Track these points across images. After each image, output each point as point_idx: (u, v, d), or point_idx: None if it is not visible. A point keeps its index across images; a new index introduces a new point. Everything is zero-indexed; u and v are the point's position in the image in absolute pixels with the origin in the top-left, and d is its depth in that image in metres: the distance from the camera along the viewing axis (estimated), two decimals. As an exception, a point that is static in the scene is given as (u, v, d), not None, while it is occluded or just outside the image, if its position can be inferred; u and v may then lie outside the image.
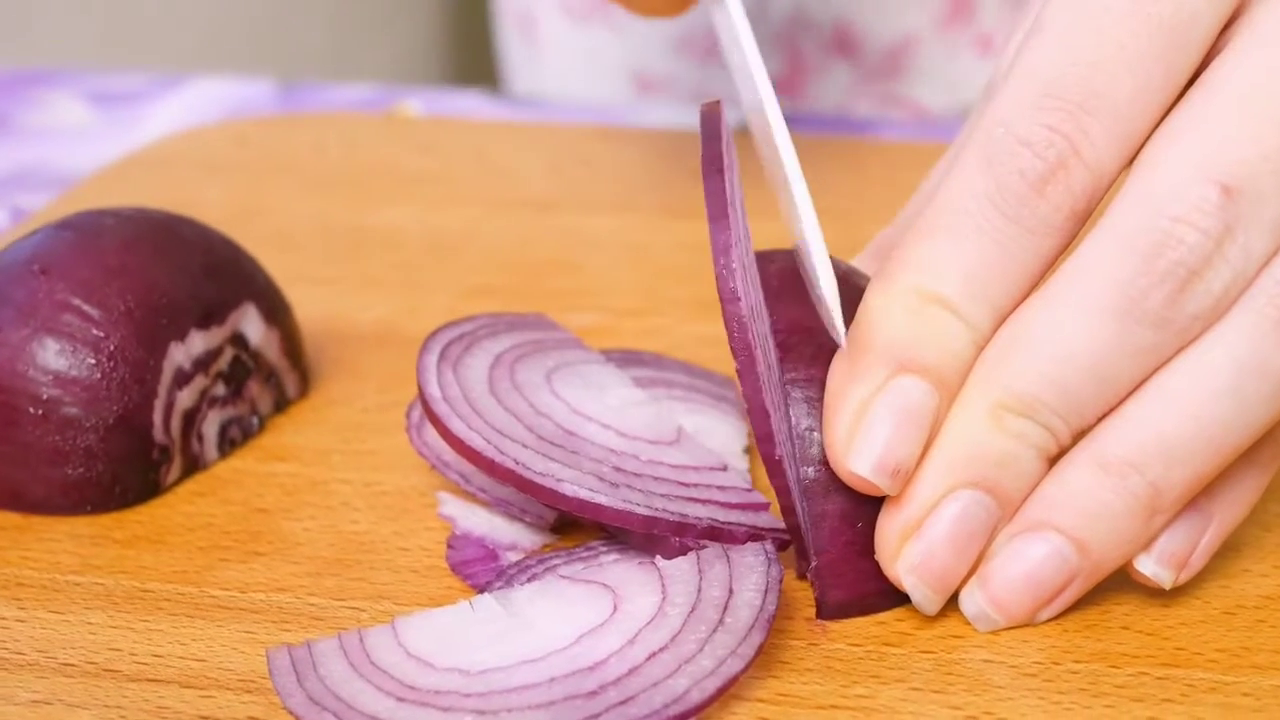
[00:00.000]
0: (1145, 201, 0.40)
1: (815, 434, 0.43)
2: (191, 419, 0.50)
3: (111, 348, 0.48)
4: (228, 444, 0.51)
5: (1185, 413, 0.40)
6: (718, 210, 0.42)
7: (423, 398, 0.46)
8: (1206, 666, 0.42)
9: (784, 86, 0.91)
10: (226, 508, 0.49)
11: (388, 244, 0.67)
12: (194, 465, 0.50)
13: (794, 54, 0.90)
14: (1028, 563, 0.42)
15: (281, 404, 0.54)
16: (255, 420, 0.52)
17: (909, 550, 0.41)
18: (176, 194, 0.70)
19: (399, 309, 0.61)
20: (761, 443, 0.42)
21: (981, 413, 0.41)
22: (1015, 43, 0.47)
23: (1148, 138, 0.41)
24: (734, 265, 0.41)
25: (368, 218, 0.69)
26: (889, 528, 0.42)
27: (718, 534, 0.44)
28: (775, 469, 0.42)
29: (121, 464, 0.48)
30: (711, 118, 0.44)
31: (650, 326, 0.59)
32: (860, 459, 0.41)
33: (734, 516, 0.45)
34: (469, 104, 0.87)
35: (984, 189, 0.40)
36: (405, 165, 0.74)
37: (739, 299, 0.41)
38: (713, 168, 0.42)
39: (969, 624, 0.43)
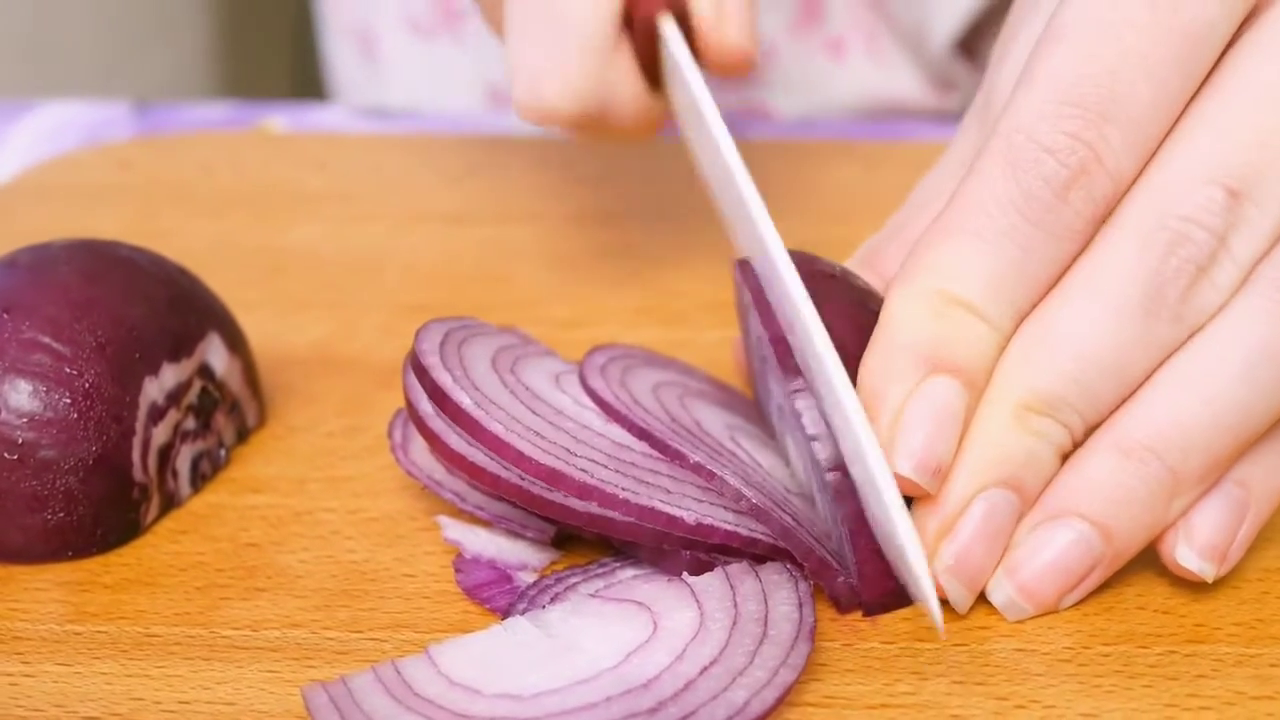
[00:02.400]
0: (1158, 202, 0.41)
1: (817, 443, 0.44)
2: (166, 455, 0.48)
3: (86, 385, 0.46)
4: (199, 479, 0.50)
5: (1200, 398, 0.42)
6: None
7: (423, 415, 0.45)
8: (1229, 641, 0.43)
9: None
10: (214, 545, 0.47)
11: (304, 265, 0.65)
12: (170, 503, 0.49)
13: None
14: (1054, 551, 0.42)
15: (243, 434, 0.52)
16: (223, 453, 0.51)
17: (944, 550, 0.42)
18: (68, 223, 0.68)
19: (334, 331, 0.60)
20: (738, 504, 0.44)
21: (1007, 413, 0.42)
22: (1011, 49, 0.48)
23: (1163, 140, 0.42)
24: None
25: (276, 238, 0.68)
26: (925, 528, 0.42)
27: (728, 549, 0.44)
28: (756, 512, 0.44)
29: (102, 506, 0.46)
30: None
31: (593, 336, 0.59)
32: (902, 459, 0.41)
33: (746, 521, 0.45)
34: (332, 118, 0.86)
35: (1008, 195, 0.41)
36: (301, 183, 0.73)
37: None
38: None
39: (992, 614, 0.43)
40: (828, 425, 0.43)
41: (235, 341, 0.51)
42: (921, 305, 0.42)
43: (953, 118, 0.91)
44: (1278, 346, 0.41)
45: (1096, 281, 0.42)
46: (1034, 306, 0.42)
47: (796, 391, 0.44)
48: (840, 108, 0.91)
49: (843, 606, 0.44)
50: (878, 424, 0.42)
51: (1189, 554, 0.43)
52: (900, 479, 0.41)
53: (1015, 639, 0.43)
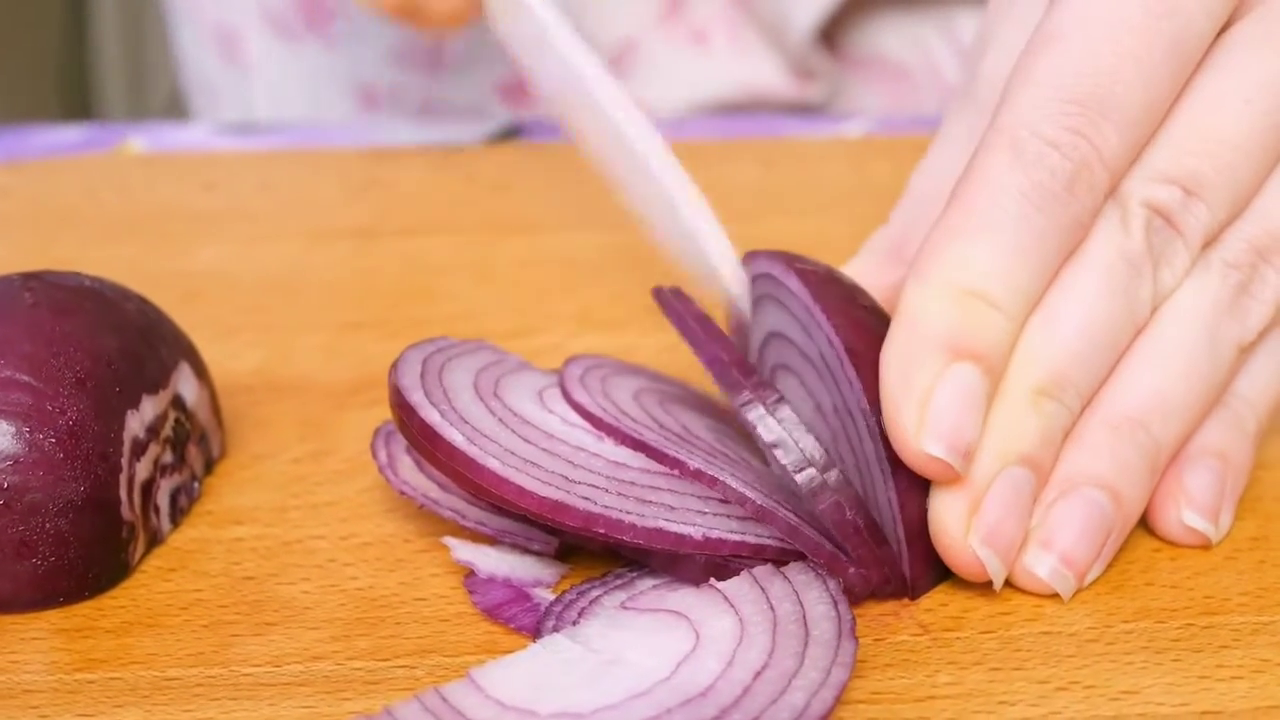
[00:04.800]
0: (1136, 192, 0.45)
1: (778, 449, 0.44)
2: (148, 490, 0.46)
3: (70, 423, 0.44)
4: (178, 513, 0.48)
5: (1176, 373, 0.45)
6: None
7: (435, 438, 0.44)
8: (1240, 610, 0.44)
9: (514, 93, 0.90)
10: (209, 580, 0.46)
11: (220, 288, 0.63)
12: (153, 540, 0.47)
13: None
14: (1080, 519, 0.44)
15: (209, 465, 0.50)
16: (196, 485, 0.49)
17: (977, 526, 0.43)
18: (-43, 255, 0.65)
19: (271, 354, 0.58)
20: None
21: (1023, 397, 0.44)
22: (994, 43, 0.49)
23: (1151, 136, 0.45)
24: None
25: (183, 262, 0.66)
26: (954, 508, 0.43)
27: (739, 556, 0.44)
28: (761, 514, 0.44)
29: (93, 547, 0.44)
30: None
31: (539, 346, 0.58)
32: (933, 441, 0.42)
33: (752, 528, 0.45)
34: (192, 137, 0.84)
35: (1018, 186, 0.43)
36: (194, 204, 0.71)
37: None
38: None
39: (1010, 600, 0.44)
40: (783, 429, 0.44)
41: (201, 370, 0.50)
42: (940, 298, 0.43)
43: (812, 108, 0.92)
44: (1227, 325, 0.46)
45: (1092, 265, 0.44)
46: (1041, 294, 0.44)
47: (745, 404, 0.45)
48: (706, 99, 0.91)
49: (856, 597, 0.44)
50: (904, 411, 0.42)
51: (1194, 516, 0.46)
52: (931, 461, 0.42)
53: (1039, 623, 0.44)
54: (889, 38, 0.90)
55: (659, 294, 0.49)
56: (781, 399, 0.45)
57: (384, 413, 0.53)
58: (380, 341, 0.59)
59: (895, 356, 0.43)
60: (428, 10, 0.53)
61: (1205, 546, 0.46)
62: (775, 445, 0.44)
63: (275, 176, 0.73)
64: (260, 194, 0.72)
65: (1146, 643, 0.43)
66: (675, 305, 0.48)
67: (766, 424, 0.45)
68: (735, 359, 0.46)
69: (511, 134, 0.82)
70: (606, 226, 0.68)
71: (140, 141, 0.83)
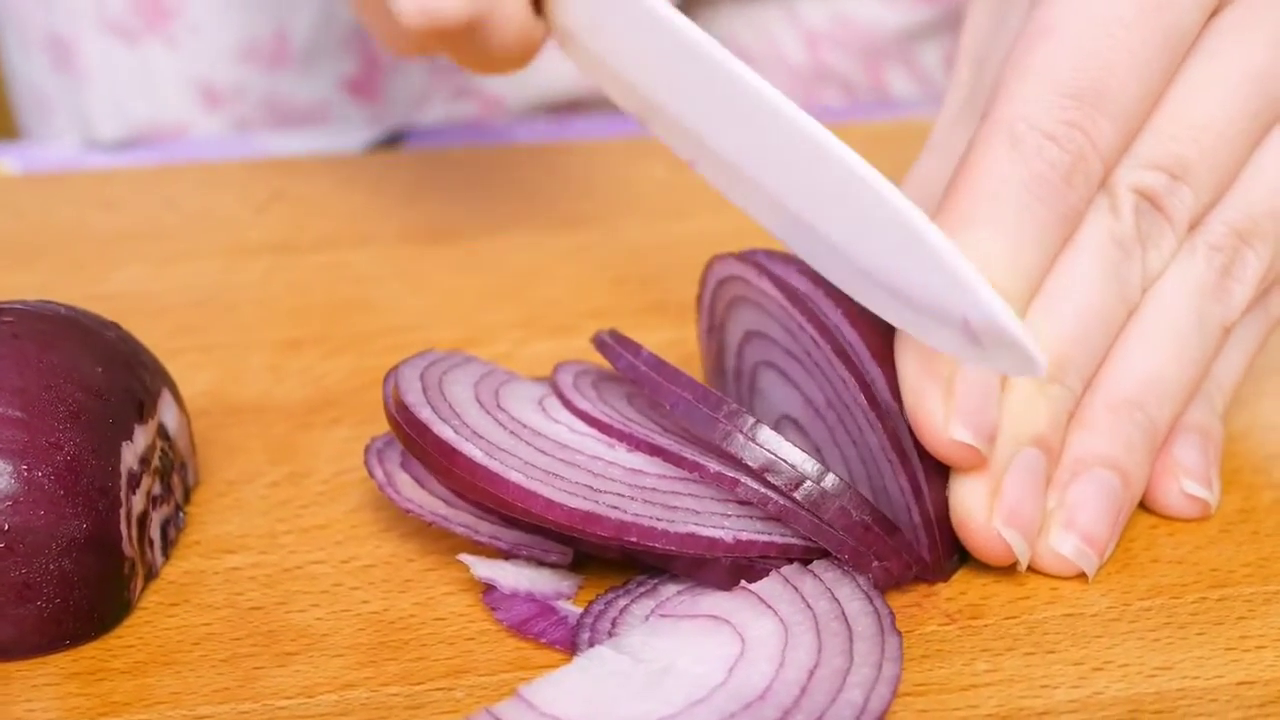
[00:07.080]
0: (1126, 180, 0.46)
1: (769, 474, 0.44)
2: (143, 524, 0.45)
3: (68, 458, 0.42)
4: (168, 545, 0.46)
5: (1168, 354, 0.46)
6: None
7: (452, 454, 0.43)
8: (1247, 581, 0.45)
9: (360, 88, 0.89)
10: (215, 613, 0.44)
11: (148, 310, 0.61)
12: (149, 574, 0.45)
13: (367, 54, 0.88)
14: (1097, 498, 0.45)
15: (187, 495, 0.49)
16: (181, 516, 0.47)
17: (999, 508, 0.44)
18: None
19: (219, 377, 0.57)
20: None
21: (1030, 381, 0.45)
22: (979, 35, 0.50)
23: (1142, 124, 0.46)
24: None
25: (99, 286, 0.63)
26: (976, 493, 0.44)
27: (765, 557, 0.44)
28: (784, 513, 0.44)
29: (97, 586, 0.42)
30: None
31: (493, 354, 0.57)
32: (963, 428, 0.43)
33: (776, 528, 0.44)
34: (64, 155, 0.81)
35: (1018, 178, 0.44)
36: (99, 225, 0.68)
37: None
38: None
39: (1026, 584, 0.45)
40: (767, 451, 0.44)
41: (179, 396, 0.48)
42: None
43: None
44: (1213, 306, 0.47)
45: (1086, 248, 0.45)
46: (1041, 281, 0.45)
47: (724, 437, 0.44)
48: (544, 97, 0.90)
49: (881, 589, 0.44)
50: (929, 400, 0.43)
51: (1195, 485, 0.47)
52: (959, 448, 0.43)
53: (1059, 605, 0.44)
54: (733, 25, 0.90)
55: (600, 343, 0.47)
56: (758, 422, 0.44)
57: (350, 432, 0.53)
58: (327, 358, 0.58)
59: (911, 349, 0.43)
60: (492, 41, 0.51)
61: (1204, 517, 0.47)
62: (765, 469, 0.44)
63: (176, 193, 0.71)
64: (166, 211, 0.69)
65: (1167, 619, 0.44)
66: (622, 352, 0.46)
67: (750, 451, 0.44)
68: (699, 394, 0.44)
69: (396, 140, 0.81)
70: (530, 230, 0.67)
71: (11, 162, 0.80)
